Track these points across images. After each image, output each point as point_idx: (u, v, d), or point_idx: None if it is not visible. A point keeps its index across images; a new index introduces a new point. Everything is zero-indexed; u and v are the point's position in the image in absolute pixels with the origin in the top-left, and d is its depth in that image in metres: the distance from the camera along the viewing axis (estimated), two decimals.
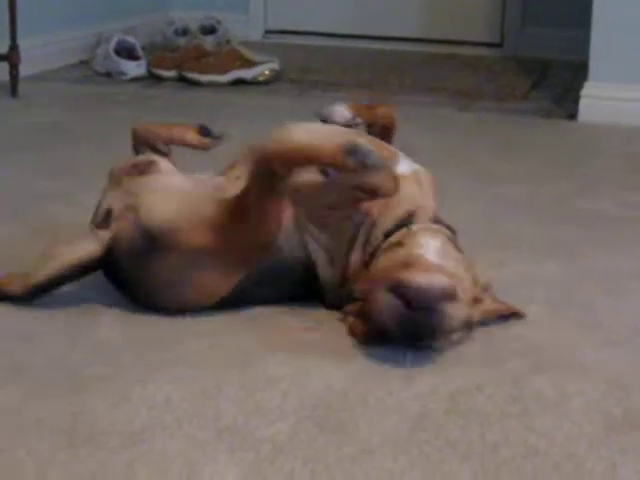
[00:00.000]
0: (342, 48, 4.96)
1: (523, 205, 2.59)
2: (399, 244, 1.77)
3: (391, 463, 1.40)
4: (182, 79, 4.07)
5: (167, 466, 1.38)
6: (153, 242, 1.78)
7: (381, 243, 1.81)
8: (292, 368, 1.66)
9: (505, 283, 1.99)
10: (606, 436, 1.48)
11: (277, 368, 1.66)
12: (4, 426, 1.48)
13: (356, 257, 1.83)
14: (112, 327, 1.81)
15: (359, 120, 2.07)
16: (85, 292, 1.83)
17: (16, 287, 1.86)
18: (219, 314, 1.84)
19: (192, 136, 2.13)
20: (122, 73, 4.13)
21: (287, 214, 1.81)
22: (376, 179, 1.69)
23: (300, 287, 1.87)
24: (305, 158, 1.71)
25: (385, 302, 1.64)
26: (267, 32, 5.24)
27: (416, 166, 1.95)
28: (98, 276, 1.88)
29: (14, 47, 3.62)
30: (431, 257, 1.71)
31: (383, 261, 1.76)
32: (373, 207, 1.83)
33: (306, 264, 1.85)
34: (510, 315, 1.84)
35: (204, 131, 2.15)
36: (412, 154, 2.00)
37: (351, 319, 1.78)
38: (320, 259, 1.85)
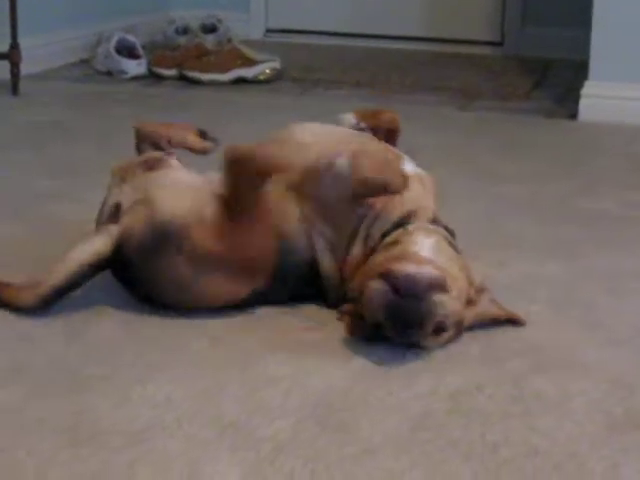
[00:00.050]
0: (343, 47, 4.96)
1: (524, 204, 2.59)
2: (395, 243, 1.79)
3: (392, 463, 1.40)
4: (183, 78, 4.07)
5: (168, 465, 1.38)
6: (165, 237, 1.77)
7: (378, 242, 1.82)
8: (292, 368, 1.66)
9: (506, 283, 2.00)
10: (608, 436, 1.48)
11: (277, 368, 1.66)
12: (5, 425, 1.48)
13: (357, 251, 1.84)
14: (112, 327, 1.81)
15: (363, 125, 2.08)
16: (85, 292, 1.83)
17: (27, 298, 1.81)
18: (219, 314, 1.83)
19: (193, 139, 2.12)
20: (123, 72, 4.13)
21: (293, 215, 1.82)
22: (387, 175, 1.74)
23: (309, 286, 1.87)
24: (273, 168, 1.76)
25: (375, 290, 1.67)
26: (268, 31, 5.24)
27: (418, 169, 1.96)
28: (98, 276, 1.87)
29: (15, 46, 3.62)
30: (424, 253, 1.73)
31: (378, 258, 1.77)
32: (377, 201, 1.84)
33: (311, 262, 1.85)
34: (508, 321, 1.83)
35: (202, 135, 2.14)
36: (413, 153, 2.00)
37: (347, 318, 1.79)
38: (324, 255, 1.85)
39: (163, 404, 1.54)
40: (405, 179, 1.80)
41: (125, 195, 1.84)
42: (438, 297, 1.64)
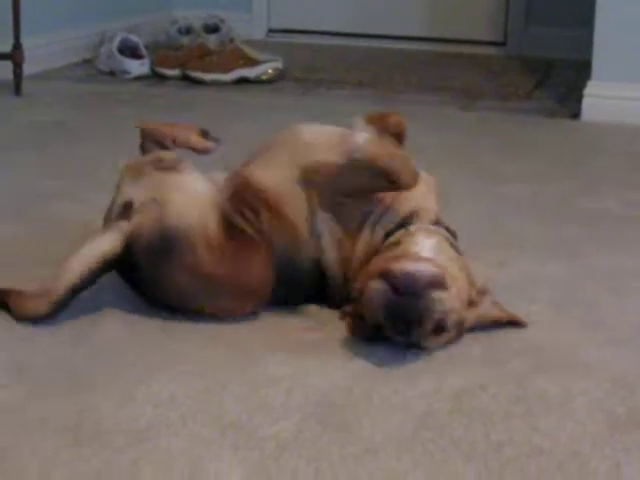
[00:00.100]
0: (346, 47, 4.96)
1: (526, 204, 2.59)
2: (397, 243, 1.80)
3: (395, 462, 1.40)
4: (185, 78, 4.07)
5: (172, 464, 1.38)
6: (170, 244, 1.77)
7: (382, 243, 1.83)
8: (293, 368, 1.66)
9: (508, 282, 2.00)
10: (610, 435, 1.48)
11: (278, 368, 1.66)
12: (8, 425, 1.48)
13: (361, 248, 1.84)
14: (114, 326, 1.81)
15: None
16: (86, 292, 1.83)
17: (40, 306, 1.78)
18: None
19: (196, 139, 2.12)
20: (125, 72, 4.13)
21: (302, 212, 1.83)
22: (399, 167, 1.77)
23: (314, 288, 1.87)
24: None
25: (375, 290, 1.67)
26: (270, 31, 5.24)
27: (421, 171, 1.96)
28: (102, 277, 1.86)
29: (18, 46, 3.62)
30: (425, 254, 1.74)
31: (380, 259, 1.77)
32: (385, 197, 1.85)
33: (317, 262, 1.85)
34: (509, 323, 1.83)
35: (204, 135, 2.14)
36: (415, 153, 2.00)
37: (349, 319, 1.79)
38: (330, 252, 1.85)
39: (167, 402, 1.54)
40: (417, 175, 1.82)
41: (137, 194, 1.83)
42: (437, 294, 1.65)
